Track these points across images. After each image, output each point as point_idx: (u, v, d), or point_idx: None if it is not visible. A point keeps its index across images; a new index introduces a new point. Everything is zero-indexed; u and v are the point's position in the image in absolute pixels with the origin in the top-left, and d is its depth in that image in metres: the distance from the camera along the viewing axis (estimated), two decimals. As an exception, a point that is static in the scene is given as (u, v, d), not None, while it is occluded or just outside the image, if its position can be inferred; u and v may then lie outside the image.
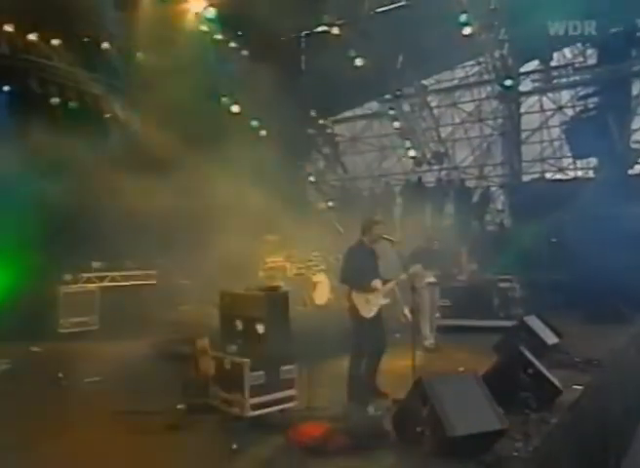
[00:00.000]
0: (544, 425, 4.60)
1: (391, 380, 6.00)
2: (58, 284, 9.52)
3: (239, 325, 4.92)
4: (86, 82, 11.13)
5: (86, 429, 4.71)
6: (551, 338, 7.58)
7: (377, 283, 5.52)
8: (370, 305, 5.47)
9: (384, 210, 17.68)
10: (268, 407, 4.63)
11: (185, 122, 11.20)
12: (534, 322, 7.67)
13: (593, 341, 8.68)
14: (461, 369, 6.94)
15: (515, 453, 4.06)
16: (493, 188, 18.62)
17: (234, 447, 4.09)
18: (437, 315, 9.34)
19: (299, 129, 13.64)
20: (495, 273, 10.93)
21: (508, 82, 13.03)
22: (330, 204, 15.81)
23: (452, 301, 10.10)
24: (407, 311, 10.91)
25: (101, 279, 10.20)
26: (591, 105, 14.31)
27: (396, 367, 6.27)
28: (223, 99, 12.29)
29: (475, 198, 17.28)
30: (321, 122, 14.62)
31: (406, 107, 14.55)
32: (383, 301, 5.61)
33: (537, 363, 5.09)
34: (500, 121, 17.78)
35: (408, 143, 14.44)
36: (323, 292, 8.52)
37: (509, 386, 4.96)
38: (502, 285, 10.20)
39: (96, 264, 10.22)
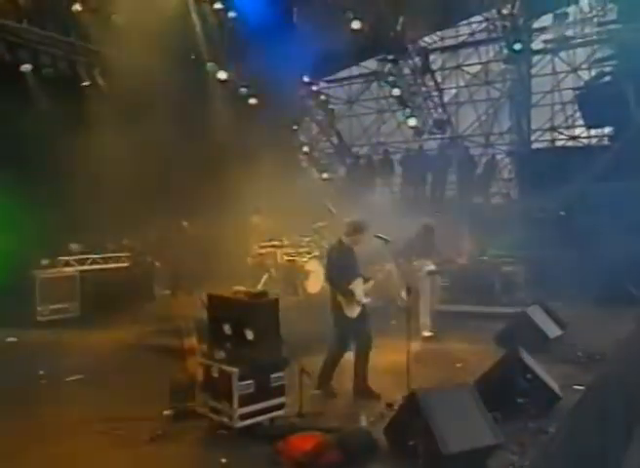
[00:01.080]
0: (542, 434, 4.81)
1: (385, 378, 6.19)
2: (34, 269, 9.59)
3: (227, 329, 5.02)
4: (61, 46, 10.88)
5: (64, 440, 4.78)
6: (554, 331, 7.79)
7: (356, 284, 5.83)
8: (353, 305, 5.77)
9: (384, 180, 17.76)
10: (258, 415, 4.79)
11: (166, 90, 11.09)
12: (536, 313, 7.85)
13: (600, 328, 8.87)
14: (459, 365, 7.21)
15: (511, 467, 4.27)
16: (499, 156, 18.61)
17: (223, 461, 4.28)
18: (438, 303, 9.54)
19: (290, 95, 13.52)
20: (498, 253, 11.08)
21: (518, 46, 12.86)
22: (324, 175, 15.81)
23: (452, 286, 10.29)
24: (404, 294, 11.15)
25: (81, 262, 10.28)
26: (607, 70, 14.18)
27: (391, 362, 6.45)
28: (209, 65, 12.13)
29: (480, 167, 17.29)
30: (315, 89, 14.46)
31: (406, 70, 14.38)
32: (365, 300, 5.90)
33: (535, 368, 5.26)
34: (508, 83, 17.63)
35: (408, 111, 14.34)
36: (316, 280, 8.64)
37: (507, 391, 5.17)
38: (505, 268, 10.36)
39: (74, 247, 10.26)
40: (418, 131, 14.58)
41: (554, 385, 5.38)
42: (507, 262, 10.48)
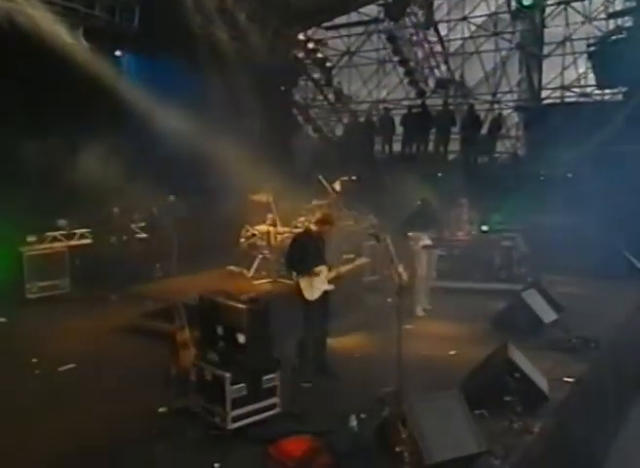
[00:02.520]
0: (527, 435, 5.21)
1: (377, 366, 6.48)
2: (20, 246, 9.85)
3: (220, 330, 5.36)
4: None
5: (59, 439, 5.18)
6: (549, 315, 8.15)
7: (321, 270, 6.53)
8: (313, 289, 6.46)
9: (384, 139, 17.78)
10: (250, 416, 5.19)
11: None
12: (532, 296, 8.20)
13: (599, 307, 9.23)
14: (452, 352, 7.61)
15: (493, 472, 4.68)
16: (506, 112, 18.57)
17: (217, 466, 4.68)
18: (434, 278, 9.90)
19: (284, 52, 13.42)
20: (498, 227, 11.33)
21: (527, 0, 12.68)
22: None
23: (451, 262, 10.62)
24: (401, 270, 11.55)
25: (69, 237, 10.54)
26: (624, 25, 13.98)
27: (382, 349, 6.78)
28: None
29: (485, 126, 17.30)
30: (311, 46, 14.31)
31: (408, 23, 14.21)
32: (328, 287, 6.56)
33: (523, 366, 5.61)
34: (518, 35, 17.43)
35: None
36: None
37: (495, 389, 5.55)
38: (505, 243, 10.65)
39: (62, 222, 10.49)
40: (419, 91, 14.51)
41: (542, 384, 5.74)
42: (507, 237, 10.75)
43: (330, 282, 6.60)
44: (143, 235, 10.84)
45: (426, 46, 14.19)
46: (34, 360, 7.19)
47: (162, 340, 6.72)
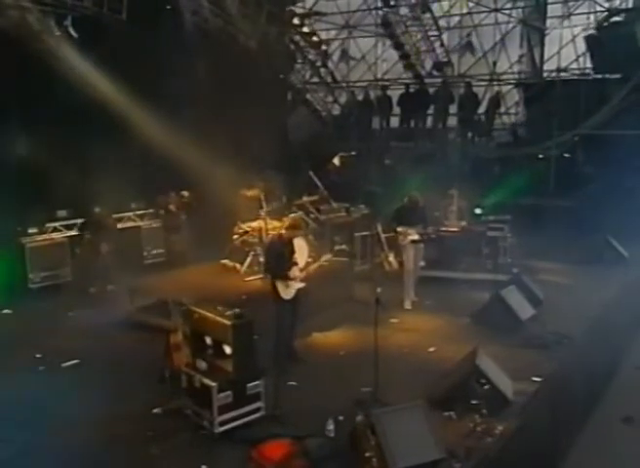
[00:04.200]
0: (488, 437, 5.78)
1: (360, 364, 6.90)
2: (22, 237, 10.35)
3: (208, 340, 5.91)
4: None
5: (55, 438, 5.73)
6: (527, 311, 8.67)
7: (294, 272, 7.27)
8: (289, 289, 7.22)
9: (381, 118, 18.04)
10: (236, 420, 5.77)
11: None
12: (511, 295, 8.70)
13: (580, 299, 9.75)
14: (432, 349, 8.16)
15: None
16: (506, 88, 18.70)
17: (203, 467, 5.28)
18: (421, 268, 10.39)
19: (279, 37, 13.62)
20: (487, 217, 11.75)
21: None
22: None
23: (439, 251, 11.10)
24: (392, 258, 12.10)
25: (69, 228, 11.04)
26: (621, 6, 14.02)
27: (367, 343, 7.21)
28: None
29: (484, 104, 17.49)
30: (306, 30, 14.45)
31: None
32: (300, 285, 7.33)
33: (489, 373, 6.16)
34: (519, 11, 17.44)
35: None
36: (301, 257, 9.40)
37: (463, 393, 6.13)
38: (492, 234, 11.08)
39: (61, 213, 10.98)
40: (416, 74, 14.70)
41: (507, 388, 6.28)
42: (495, 228, 11.17)
43: (302, 280, 7.35)
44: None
45: (422, 30, 14.25)
46: (38, 355, 7.78)
47: (160, 335, 7.25)
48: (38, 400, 6.43)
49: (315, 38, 14.71)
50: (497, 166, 16.35)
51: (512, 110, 18.87)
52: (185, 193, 11.68)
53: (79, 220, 11.04)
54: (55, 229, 10.88)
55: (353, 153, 18.28)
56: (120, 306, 9.11)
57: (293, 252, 7.45)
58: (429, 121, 18.15)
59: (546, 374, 7.07)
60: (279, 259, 7.25)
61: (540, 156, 16.63)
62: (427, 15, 14.21)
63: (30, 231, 10.48)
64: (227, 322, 5.66)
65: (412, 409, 5.32)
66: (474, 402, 6.07)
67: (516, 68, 18.28)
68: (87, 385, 6.82)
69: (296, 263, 7.41)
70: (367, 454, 5.19)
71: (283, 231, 7.58)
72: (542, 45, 18.57)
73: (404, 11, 14.14)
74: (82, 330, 8.65)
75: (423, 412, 5.31)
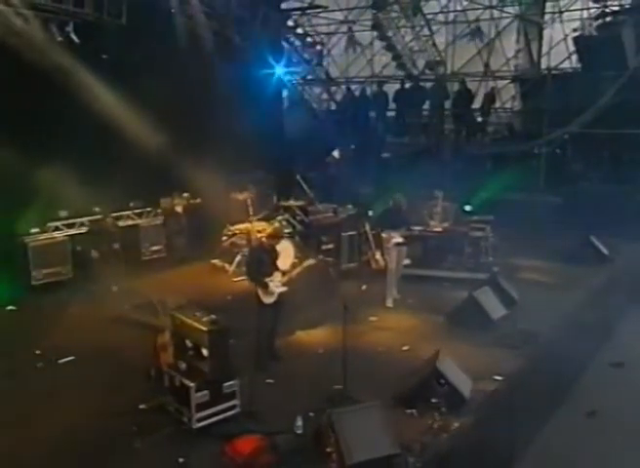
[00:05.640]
0: (444, 433, 6.31)
1: (337, 362, 7.19)
2: (25, 237, 10.94)
3: (189, 343, 6.47)
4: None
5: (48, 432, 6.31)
6: (499, 311, 9.15)
7: (275, 277, 7.72)
8: (269, 294, 7.66)
9: (377, 114, 18.39)
10: (213, 417, 6.34)
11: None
12: (484, 295, 9.18)
13: (553, 299, 10.19)
14: (406, 348, 8.67)
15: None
16: (502, 83, 18.96)
17: (181, 460, 5.86)
18: (402, 270, 10.89)
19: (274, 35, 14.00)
20: (471, 217, 12.18)
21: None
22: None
23: (422, 251, 11.59)
24: (378, 256, 12.64)
25: (70, 226, 11.62)
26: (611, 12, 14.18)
27: (347, 341, 7.75)
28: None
29: (478, 101, 17.78)
30: (301, 31, 14.82)
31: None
32: (282, 289, 7.73)
33: (449, 374, 6.68)
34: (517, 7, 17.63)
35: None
36: (286, 259, 9.91)
37: (424, 392, 6.66)
38: (475, 234, 11.53)
39: (63, 213, 11.56)
40: (407, 74, 15.03)
41: (465, 387, 6.81)
42: (477, 228, 11.60)
43: (283, 285, 7.75)
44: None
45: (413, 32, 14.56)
46: (37, 351, 8.39)
47: (151, 332, 7.82)
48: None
49: (309, 39, 15.11)
50: (489, 162, 16.69)
51: (508, 105, 19.09)
52: (186, 195, 12.16)
53: (79, 220, 11.62)
54: (56, 228, 11.45)
55: (352, 147, 18.71)
56: (117, 305, 9.70)
57: (275, 258, 7.87)
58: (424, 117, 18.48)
59: (509, 373, 7.54)
60: (259, 266, 7.70)
61: (536, 151, 16.94)
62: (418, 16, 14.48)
63: (32, 230, 11.05)
64: (204, 328, 6.21)
65: (369, 408, 5.87)
66: (434, 400, 6.58)
67: (513, 63, 18.45)
68: (80, 381, 7.43)
69: (277, 269, 7.83)
70: (328, 450, 5.75)
71: (264, 239, 8.01)
72: (541, 38, 18.77)
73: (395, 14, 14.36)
74: (80, 324, 9.24)
75: (379, 412, 5.85)
